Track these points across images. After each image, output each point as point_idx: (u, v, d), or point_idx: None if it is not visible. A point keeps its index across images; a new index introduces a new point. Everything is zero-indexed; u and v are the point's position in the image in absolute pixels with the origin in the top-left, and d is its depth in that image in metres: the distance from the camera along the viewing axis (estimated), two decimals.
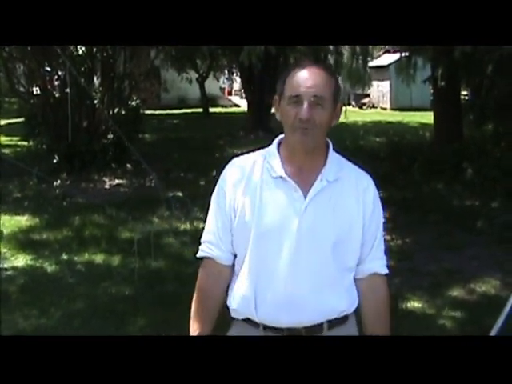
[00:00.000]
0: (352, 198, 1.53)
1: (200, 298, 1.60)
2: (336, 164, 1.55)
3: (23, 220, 6.06)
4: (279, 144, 1.58)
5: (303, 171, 1.53)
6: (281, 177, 1.51)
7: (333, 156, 1.56)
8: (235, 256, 1.59)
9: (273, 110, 1.59)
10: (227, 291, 1.61)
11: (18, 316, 3.76)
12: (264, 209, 1.50)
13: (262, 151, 1.60)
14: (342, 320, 1.56)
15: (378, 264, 1.59)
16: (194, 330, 1.58)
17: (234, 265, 1.60)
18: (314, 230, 1.49)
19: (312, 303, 1.49)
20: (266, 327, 1.52)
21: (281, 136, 1.58)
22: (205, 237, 1.62)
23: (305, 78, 1.48)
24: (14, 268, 4.65)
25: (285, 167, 1.53)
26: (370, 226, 1.55)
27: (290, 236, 1.48)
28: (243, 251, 1.55)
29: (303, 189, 1.50)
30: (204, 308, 1.59)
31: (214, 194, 1.60)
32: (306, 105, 1.45)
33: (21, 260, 4.83)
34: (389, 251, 5.35)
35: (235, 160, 1.62)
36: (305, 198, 1.49)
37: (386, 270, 1.61)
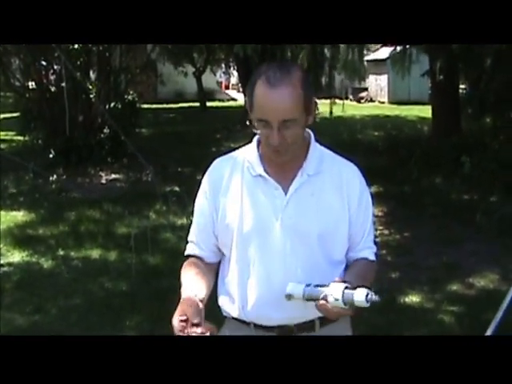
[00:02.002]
0: (336, 191, 1.50)
1: (190, 267, 1.54)
2: (318, 157, 1.52)
3: (19, 215, 6.03)
4: (259, 142, 1.54)
5: (284, 168, 1.49)
6: (260, 175, 1.49)
7: (314, 149, 1.53)
8: (223, 254, 1.58)
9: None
10: (216, 277, 1.59)
11: (15, 312, 3.74)
12: (245, 209, 1.49)
13: (242, 150, 1.58)
14: None
15: (367, 252, 1.57)
16: (187, 289, 1.45)
17: (219, 263, 1.59)
18: (297, 226, 1.47)
19: None
20: (256, 325, 1.51)
21: None
22: (190, 237, 1.63)
23: (271, 100, 1.37)
24: (10, 264, 4.62)
25: (264, 165, 1.50)
26: (358, 217, 1.52)
27: (274, 234, 1.47)
28: (228, 251, 1.54)
29: (284, 186, 1.48)
30: (197, 273, 1.51)
31: (198, 195, 1.60)
32: (275, 131, 1.38)
33: (17, 256, 4.80)
34: (387, 246, 5.35)
35: (216, 161, 1.60)
36: (285, 194, 1.48)
37: (373, 257, 1.58)
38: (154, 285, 4.22)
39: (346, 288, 1.32)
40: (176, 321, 1.31)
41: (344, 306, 1.31)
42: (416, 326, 3.55)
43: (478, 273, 4.40)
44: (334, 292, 1.32)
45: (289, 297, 1.40)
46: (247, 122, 1.45)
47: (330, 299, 1.32)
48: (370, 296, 1.31)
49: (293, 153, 1.46)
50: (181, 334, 1.29)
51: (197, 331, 1.27)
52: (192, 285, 1.46)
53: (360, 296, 1.30)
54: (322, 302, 1.34)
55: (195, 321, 1.29)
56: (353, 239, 1.54)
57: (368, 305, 1.31)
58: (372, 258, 1.58)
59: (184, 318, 1.30)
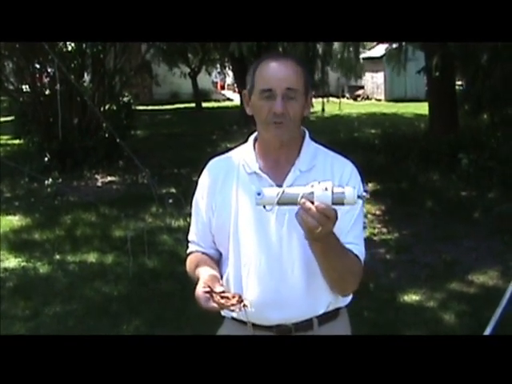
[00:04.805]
0: None
1: (196, 258, 1.58)
2: (311, 153, 1.52)
3: (15, 220, 5.99)
4: (255, 141, 1.57)
5: (279, 165, 1.50)
6: (255, 172, 1.50)
7: (308, 146, 1.53)
8: (220, 254, 1.59)
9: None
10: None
11: (11, 317, 3.71)
12: (240, 207, 1.50)
13: (238, 149, 1.60)
14: (332, 315, 1.53)
15: (351, 246, 1.45)
16: (199, 274, 1.47)
17: (219, 261, 1.59)
18: (293, 223, 1.42)
19: (298, 297, 1.47)
20: (254, 325, 1.50)
21: (256, 133, 1.57)
22: (190, 236, 1.65)
23: (276, 70, 1.45)
24: (6, 269, 4.58)
25: (259, 162, 1.52)
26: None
27: (270, 232, 1.47)
28: (225, 250, 1.54)
29: (278, 183, 1.47)
30: (206, 260, 1.55)
31: (195, 195, 1.62)
32: (279, 98, 1.42)
33: (13, 261, 4.76)
34: (386, 243, 5.32)
35: (212, 161, 1.62)
36: None
37: (358, 253, 1.46)
38: (151, 287, 4.19)
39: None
40: (201, 292, 1.35)
41: (331, 201, 1.22)
42: (415, 323, 3.53)
43: (477, 269, 4.39)
44: (323, 183, 1.23)
45: (260, 199, 1.27)
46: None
47: (317, 191, 1.22)
48: (359, 191, 1.25)
49: (291, 133, 1.48)
50: (208, 304, 1.33)
51: (224, 302, 1.31)
52: (205, 268, 1.49)
53: (349, 189, 1.23)
54: (303, 200, 1.24)
55: (219, 290, 1.35)
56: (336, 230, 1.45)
57: (356, 200, 1.23)
58: (356, 252, 1.46)
59: (207, 289, 1.35)
